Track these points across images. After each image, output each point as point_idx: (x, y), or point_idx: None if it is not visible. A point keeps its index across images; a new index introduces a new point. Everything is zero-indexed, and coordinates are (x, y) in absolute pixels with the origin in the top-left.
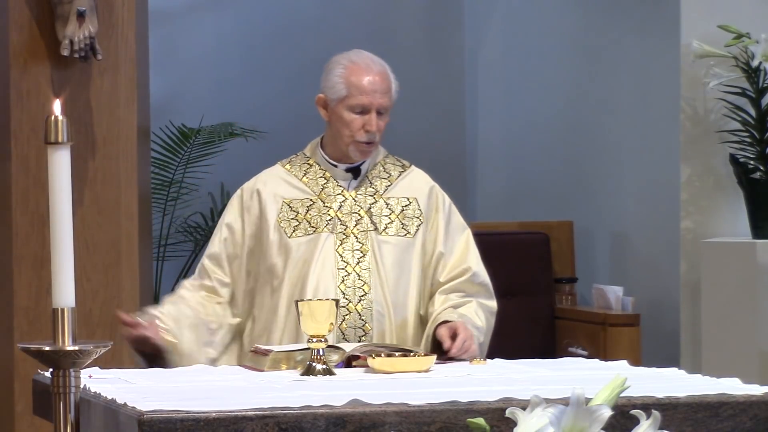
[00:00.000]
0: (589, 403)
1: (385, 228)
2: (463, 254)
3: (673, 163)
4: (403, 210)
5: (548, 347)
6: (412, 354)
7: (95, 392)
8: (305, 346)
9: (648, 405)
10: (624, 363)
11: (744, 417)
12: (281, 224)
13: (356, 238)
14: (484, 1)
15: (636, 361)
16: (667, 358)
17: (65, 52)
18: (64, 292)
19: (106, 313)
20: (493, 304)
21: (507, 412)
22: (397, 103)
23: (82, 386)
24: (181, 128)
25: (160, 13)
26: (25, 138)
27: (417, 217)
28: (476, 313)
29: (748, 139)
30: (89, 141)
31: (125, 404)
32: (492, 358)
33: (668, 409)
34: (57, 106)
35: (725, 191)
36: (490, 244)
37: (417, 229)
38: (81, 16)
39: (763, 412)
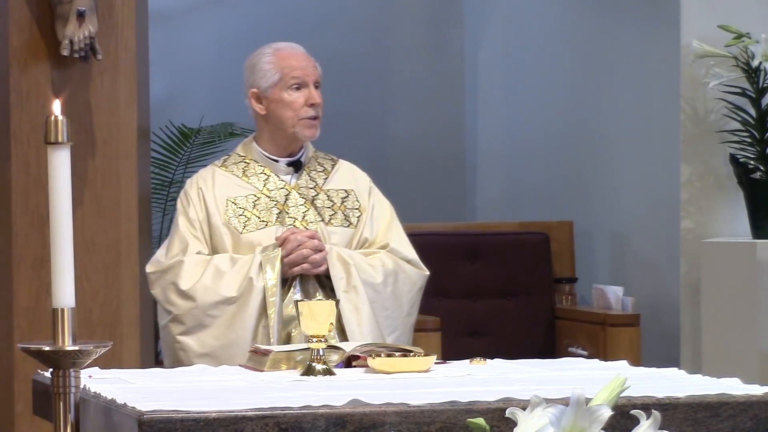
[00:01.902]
0: (589, 403)
1: (330, 219)
2: (385, 233)
3: (673, 163)
4: (343, 201)
5: (548, 347)
6: (412, 354)
7: (95, 392)
8: (305, 346)
9: (648, 405)
10: (624, 363)
11: (744, 417)
12: (231, 222)
13: (306, 229)
14: (484, 1)
15: (636, 361)
16: (667, 358)
17: (65, 52)
18: (64, 292)
19: (106, 313)
20: (411, 268)
21: (507, 412)
22: (398, 104)
23: (82, 386)
24: (181, 128)
25: (160, 13)
26: (25, 138)
27: (356, 208)
28: (370, 256)
29: (748, 139)
30: (89, 141)
31: (125, 404)
32: (492, 358)
33: (668, 409)
34: (57, 106)
35: (725, 191)
36: (490, 244)
37: (357, 220)
38: (81, 16)
39: (763, 412)
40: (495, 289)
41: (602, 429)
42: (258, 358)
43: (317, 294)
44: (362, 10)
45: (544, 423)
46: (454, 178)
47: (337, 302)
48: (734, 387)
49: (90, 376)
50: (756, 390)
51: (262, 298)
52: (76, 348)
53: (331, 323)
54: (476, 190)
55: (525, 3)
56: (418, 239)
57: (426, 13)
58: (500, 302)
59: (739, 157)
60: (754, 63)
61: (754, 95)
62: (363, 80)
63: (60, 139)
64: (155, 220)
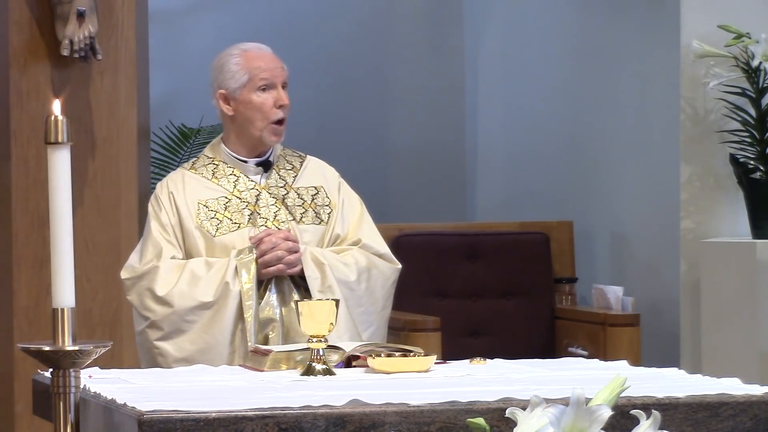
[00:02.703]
0: (589, 403)
1: (301, 217)
2: (356, 229)
3: (673, 163)
4: (313, 199)
5: (548, 347)
6: (412, 354)
7: (95, 392)
8: (305, 346)
9: (648, 405)
10: (624, 363)
11: (744, 417)
12: (203, 225)
13: (278, 229)
14: (484, 1)
15: (636, 361)
16: (667, 358)
17: (65, 52)
18: (64, 292)
19: (106, 313)
20: (383, 263)
21: (507, 412)
22: (398, 104)
23: (82, 386)
24: (181, 128)
25: (160, 13)
26: (25, 138)
27: (327, 205)
28: (343, 254)
29: (748, 139)
30: (89, 141)
31: (125, 404)
32: (492, 358)
33: (668, 409)
34: (57, 106)
35: (725, 191)
36: (490, 244)
37: (329, 216)
38: (81, 16)
39: (763, 412)
40: (495, 289)
41: (602, 429)
42: (258, 358)
43: (293, 295)
44: (362, 10)
45: (544, 423)
46: (454, 178)
47: (337, 302)
48: (734, 387)
49: (90, 376)
50: (756, 390)
51: (238, 302)
52: (76, 348)
53: (332, 323)
54: (476, 190)
55: (525, 3)
56: (418, 239)
57: (426, 13)
58: (500, 302)
59: (739, 157)
60: (754, 63)
61: (754, 95)
62: (363, 81)
63: (60, 139)
64: None
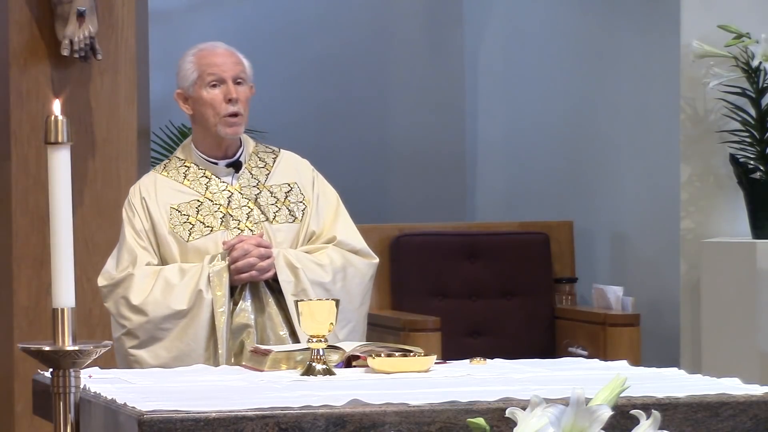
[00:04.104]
0: (589, 403)
1: (275, 216)
2: (331, 225)
3: (673, 163)
4: (287, 196)
5: (548, 347)
6: (412, 354)
7: (95, 392)
8: (305, 346)
9: (648, 405)
10: (624, 363)
11: (744, 417)
12: (175, 230)
13: (251, 231)
14: (484, 1)
15: (636, 361)
16: (667, 358)
17: (65, 52)
18: (64, 292)
19: (106, 313)
20: (359, 260)
21: (507, 412)
22: (398, 104)
23: (82, 386)
24: (181, 128)
25: (160, 13)
26: (25, 138)
27: (301, 201)
28: (318, 253)
29: (748, 139)
30: (89, 141)
31: (125, 404)
32: (492, 358)
33: (668, 409)
34: (57, 106)
35: (725, 191)
36: (490, 244)
37: (303, 213)
38: (81, 16)
39: (763, 412)
40: (495, 289)
41: (602, 429)
42: (258, 358)
43: (268, 299)
44: (362, 10)
45: (544, 423)
46: (454, 178)
47: (337, 302)
48: (734, 387)
49: (90, 376)
50: (756, 390)
51: (212, 309)
52: (76, 348)
53: (332, 323)
54: (476, 190)
55: (525, 3)
56: (418, 239)
57: (426, 13)
58: (500, 302)
59: (739, 157)
60: (754, 63)
61: (754, 95)
62: (363, 80)
63: (60, 139)
64: None
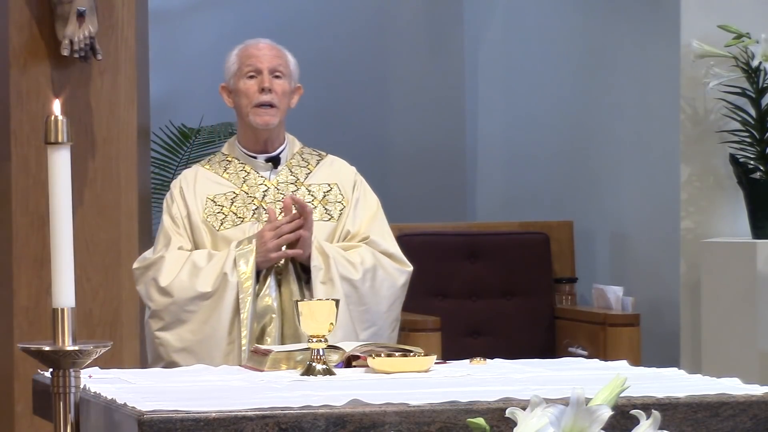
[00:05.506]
0: (589, 403)
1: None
2: (367, 227)
3: (673, 163)
4: (325, 195)
5: (548, 347)
6: (412, 354)
7: (95, 392)
8: (305, 346)
9: (648, 405)
10: (624, 363)
11: (744, 417)
12: (208, 219)
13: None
14: (484, 1)
15: (636, 361)
16: (667, 358)
17: (65, 52)
18: (64, 292)
19: (106, 313)
20: (391, 264)
21: (507, 412)
22: (398, 103)
23: (82, 386)
24: (181, 128)
25: (160, 13)
26: (25, 138)
27: (339, 202)
28: (351, 251)
29: (748, 139)
30: (89, 141)
31: (125, 404)
32: (492, 358)
33: (668, 409)
34: (57, 106)
35: (725, 191)
36: (490, 244)
37: (340, 213)
38: (81, 16)
39: (763, 412)
40: (495, 289)
41: (602, 429)
42: (258, 358)
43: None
44: (362, 10)
45: (544, 423)
46: (454, 179)
47: (337, 302)
48: (734, 387)
49: (90, 376)
50: (756, 390)
51: (236, 293)
52: (76, 348)
53: (332, 323)
54: (476, 190)
55: (525, 3)
56: (418, 239)
57: (426, 13)
58: (500, 302)
59: (739, 157)
60: (754, 63)
61: (754, 95)
62: (363, 80)
63: (60, 139)
64: (155, 220)
